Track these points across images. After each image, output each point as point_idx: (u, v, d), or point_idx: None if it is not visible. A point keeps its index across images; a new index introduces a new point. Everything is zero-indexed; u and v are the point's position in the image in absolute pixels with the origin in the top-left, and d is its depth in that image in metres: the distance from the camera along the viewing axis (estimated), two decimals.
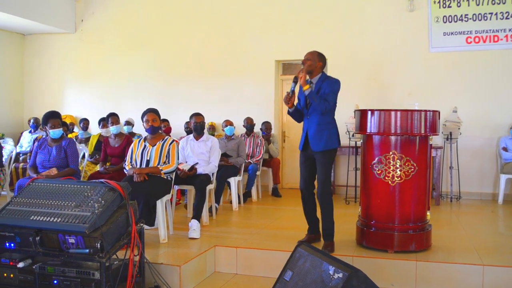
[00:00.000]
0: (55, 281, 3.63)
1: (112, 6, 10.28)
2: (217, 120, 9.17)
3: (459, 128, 7.94)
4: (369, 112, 4.61)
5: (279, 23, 9.17)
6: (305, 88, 4.58)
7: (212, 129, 9.17)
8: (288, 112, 4.82)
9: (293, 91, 4.65)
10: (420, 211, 4.64)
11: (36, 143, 5.78)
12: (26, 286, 3.77)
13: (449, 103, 8.10)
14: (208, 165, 6.09)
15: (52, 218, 3.65)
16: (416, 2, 8.37)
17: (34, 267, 3.71)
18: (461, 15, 8.14)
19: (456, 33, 8.21)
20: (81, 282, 3.57)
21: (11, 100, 10.75)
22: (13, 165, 7.22)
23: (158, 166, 5.14)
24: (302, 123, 4.89)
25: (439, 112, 4.67)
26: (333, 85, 4.71)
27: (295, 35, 9.05)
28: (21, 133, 9.76)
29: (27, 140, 8.81)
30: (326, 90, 4.65)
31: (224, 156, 7.01)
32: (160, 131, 5.51)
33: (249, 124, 8.11)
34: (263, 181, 8.56)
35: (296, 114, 4.83)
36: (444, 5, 8.21)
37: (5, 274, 3.80)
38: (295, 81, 4.68)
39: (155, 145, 5.28)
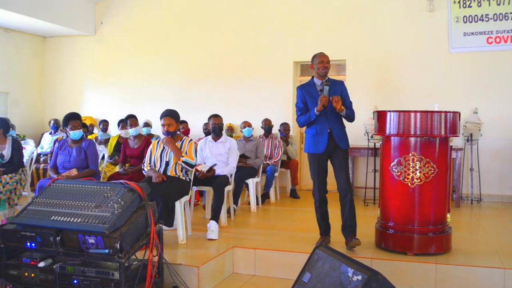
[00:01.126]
0: (75, 281, 3.67)
1: (131, 9, 10.37)
2: (235, 121, 9.18)
3: (479, 130, 7.85)
4: (388, 113, 4.57)
5: (297, 25, 9.16)
6: (342, 110, 4.70)
7: (230, 130, 9.18)
8: (313, 115, 4.76)
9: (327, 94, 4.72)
10: (440, 213, 4.59)
11: (56, 144, 5.86)
12: (47, 286, 3.82)
13: (470, 104, 8.01)
14: (227, 167, 6.10)
15: (73, 219, 3.69)
16: (436, 2, 8.29)
17: (54, 266, 3.76)
18: (482, 15, 8.04)
19: (476, 33, 8.11)
20: (100, 282, 3.61)
21: (32, 101, 10.91)
22: (34, 166, 7.31)
23: (182, 154, 5.19)
24: (309, 125, 4.88)
25: (459, 113, 4.62)
26: (346, 90, 4.91)
27: (313, 36, 9.03)
28: (42, 135, 9.88)
29: (47, 141, 8.91)
30: (345, 98, 4.83)
31: (242, 157, 7.02)
32: (178, 132, 5.53)
33: (267, 125, 8.11)
34: (281, 182, 8.54)
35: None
36: (465, 5, 8.12)
37: (26, 274, 3.86)
38: (327, 84, 4.74)
39: None
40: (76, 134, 5.60)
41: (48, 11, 9.48)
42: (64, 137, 8.16)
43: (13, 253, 3.98)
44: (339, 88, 4.85)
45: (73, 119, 5.61)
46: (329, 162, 4.90)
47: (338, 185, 4.84)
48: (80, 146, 5.60)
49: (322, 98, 4.64)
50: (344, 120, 4.90)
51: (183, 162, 5.16)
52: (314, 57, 4.90)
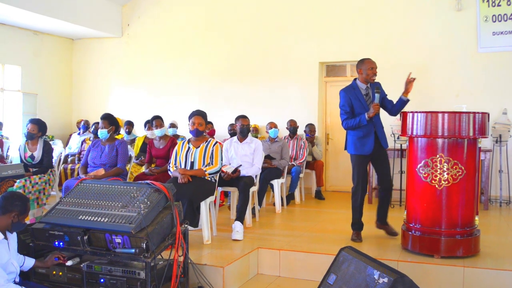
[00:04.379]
0: (102, 280, 3.71)
1: (158, 10, 10.47)
2: (260, 122, 9.19)
3: (509, 131, 7.71)
4: (416, 114, 4.53)
5: (323, 25, 9.12)
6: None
7: (256, 131, 9.19)
8: (364, 121, 4.95)
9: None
10: (468, 215, 4.52)
11: (90, 143, 6.07)
12: (74, 284, 3.88)
13: (499, 105, 7.88)
14: (252, 167, 6.10)
15: (100, 218, 3.74)
16: (464, 1, 8.16)
17: (82, 265, 3.81)
18: (511, 14, 7.89)
19: (505, 33, 7.96)
20: (127, 281, 3.65)
21: (60, 103, 11.08)
22: (62, 166, 7.43)
23: (203, 168, 5.19)
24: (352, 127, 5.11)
25: (488, 114, 4.54)
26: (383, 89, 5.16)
27: (339, 37, 8.99)
28: (70, 135, 10.03)
29: (75, 142, 9.03)
30: (386, 95, 5.18)
31: (268, 158, 7.01)
32: (204, 134, 5.56)
33: (292, 126, 8.09)
34: (306, 183, 8.51)
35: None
36: (494, 4, 7.98)
37: (54, 272, 3.92)
38: (378, 91, 4.97)
39: (199, 147, 5.33)
40: (101, 132, 5.81)
41: (76, 14, 9.63)
42: (91, 138, 8.29)
43: (42, 251, 4.05)
44: (383, 91, 5.12)
45: (102, 118, 5.87)
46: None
47: (383, 184, 5.26)
48: (113, 144, 5.84)
49: (376, 107, 4.90)
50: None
51: (209, 175, 5.21)
52: (362, 62, 5.07)
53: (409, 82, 4.94)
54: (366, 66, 5.01)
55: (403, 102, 4.99)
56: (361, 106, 5.01)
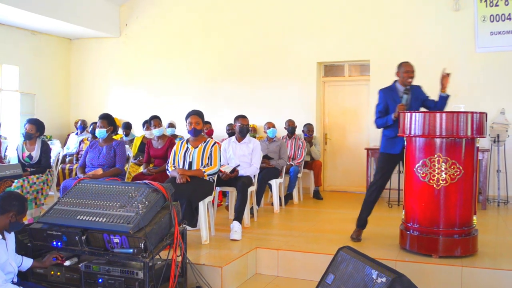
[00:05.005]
0: (100, 280, 3.71)
1: (156, 10, 10.45)
2: (258, 122, 9.18)
3: (506, 130, 7.72)
4: (414, 114, 4.54)
5: (321, 25, 9.12)
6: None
7: (253, 131, 9.19)
8: (390, 121, 5.01)
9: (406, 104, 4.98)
10: (466, 215, 4.52)
11: (88, 144, 6.07)
12: (72, 284, 3.87)
13: (496, 105, 7.88)
14: (250, 167, 6.10)
15: (98, 218, 3.74)
16: (462, 1, 8.16)
17: (80, 265, 3.80)
18: (509, 14, 7.89)
19: (503, 33, 7.97)
20: (125, 281, 3.64)
21: (58, 103, 11.06)
22: (60, 166, 7.42)
23: (201, 168, 5.19)
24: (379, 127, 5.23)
25: (486, 114, 4.55)
26: (424, 93, 5.23)
27: (337, 36, 8.99)
28: (68, 135, 10.02)
29: (73, 142, 9.02)
30: (427, 100, 5.18)
31: (266, 158, 7.01)
32: (202, 134, 5.55)
33: (290, 126, 8.08)
34: (304, 183, 8.51)
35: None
36: (491, 4, 7.98)
37: (52, 272, 3.92)
38: (407, 93, 5.01)
39: (197, 147, 5.33)
40: (100, 132, 5.81)
41: (74, 14, 9.61)
42: (89, 138, 8.28)
43: (40, 251, 4.05)
44: (419, 94, 5.14)
45: (101, 118, 5.88)
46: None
47: None
48: (110, 145, 5.83)
49: (400, 107, 4.88)
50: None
51: (207, 176, 5.21)
52: (400, 65, 5.18)
53: (444, 77, 4.99)
54: (403, 70, 5.11)
55: (443, 98, 5.00)
56: (396, 107, 5.01)
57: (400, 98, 5.01)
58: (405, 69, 5.10)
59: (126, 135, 8.79)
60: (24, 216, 3.64)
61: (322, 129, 9.43)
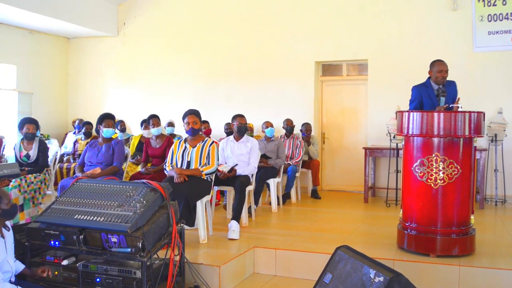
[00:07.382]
0: (98, 279, 3.71)
1: (154, 10, 10.44)
2: (256, 121, 9.18)
3: (504, 130, 7.72)
4: (411, 114, 4.54)
5: (319, 25, 9.11)
6: None
7: (251, 130, 9.18)
8: None
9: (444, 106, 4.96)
10: (464, 214, 4.53)
11: (83, 143, 6.06)
12: (70, 283, 3.88)
13: (494, 104, 7.89)
14: (248, 167, 6.10)
15: (96, 217, 3.73)
16: (460, 1, 8.16)
17: (77, 265, 3.81)
18: (507, 14, 7.89)
19: (501, 32, 7.97)
20: (122, 280, 3.64)
21: (56, 102, 11.04)
22: (58, 165, 7.41)
23: (199, 167, 5.19)
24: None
25: (483, 113, 4.56)
26: (456, 90, 5.22)
27: (335, 36, 8.99)
28: (66, 134, 10.00)
29: (71, 141, 9.00)
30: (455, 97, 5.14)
31: (264, 157, 7.01)
32: (200, 133, 5.55)
33: (288, 125, 8.08)
34: (302, 183, 8.52)
35: None
36: (489, 3, 7.99)
37: (49, 271, 3.90)
38: (443, 95, 5.03)
39: (195, 146, 5.33)
40: (108, 131, 5.86)
41: (72, 13, 9.59)
42: (82, 138, 8.24)
43: (37, 251, 4.05)
44: (452, 91, 5.12)
45: (107, 118, 5.92)
46: None
47: None
48: (109, 143, 5.88)
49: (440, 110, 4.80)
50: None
51: (205, 175, 5.20)
52: (433, 64, 5.13)
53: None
54: (437, 69, 5.06)
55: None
56: (431, 104, 5.00)
57: (438, 100, 5.01)
58: (438, 68, 5.05)
59: (122, 130, 8.73)
60: (8, 202, 3.47)
61: (320, 128, 9.43)
